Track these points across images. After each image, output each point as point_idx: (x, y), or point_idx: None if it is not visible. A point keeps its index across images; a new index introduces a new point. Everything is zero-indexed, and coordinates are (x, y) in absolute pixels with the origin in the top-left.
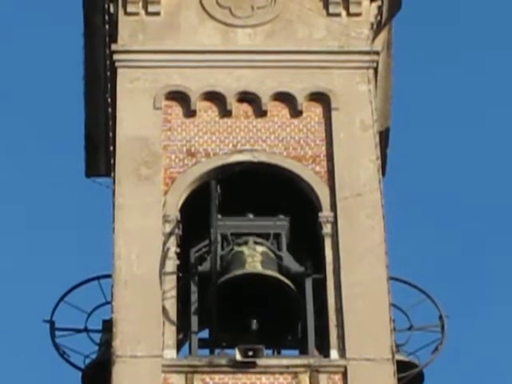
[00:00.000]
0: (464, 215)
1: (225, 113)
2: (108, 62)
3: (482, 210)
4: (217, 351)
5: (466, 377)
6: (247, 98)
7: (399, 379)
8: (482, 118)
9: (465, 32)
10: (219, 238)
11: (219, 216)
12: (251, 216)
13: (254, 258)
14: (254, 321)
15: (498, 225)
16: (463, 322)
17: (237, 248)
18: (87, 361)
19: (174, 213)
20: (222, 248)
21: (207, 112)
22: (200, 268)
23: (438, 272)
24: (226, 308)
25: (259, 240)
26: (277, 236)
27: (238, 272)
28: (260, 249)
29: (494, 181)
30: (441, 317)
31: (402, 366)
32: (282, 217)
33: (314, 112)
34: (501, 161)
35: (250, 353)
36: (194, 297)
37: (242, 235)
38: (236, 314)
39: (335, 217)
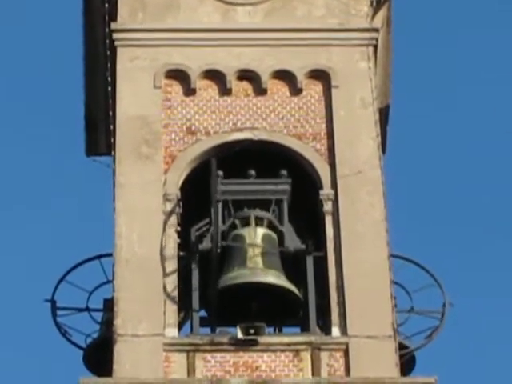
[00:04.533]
0: (465, 192)
1: (225, 91)
2: (107, 41)
3: (485, 188)
4: (218, 329)
5: (461, 365)
6: (247, 76)
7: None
8: (484, 94)
9: (465, 9)
10: (220, 208)
11: (220, 179)
12: (253, 171)
13: (255, 251)
14: (255, 303)
15: (500, 203)
16: (463, 304)
17: (238, 228)
18: (89, 340)
19: (175, 191)
20: (223, 221)
21: (207, 90)
22: (201, 246)
23: (441, 250)
24: (227, 294)
25: (260, 214)
26: (278, 202)
27: (238, 280)
28: (261, 232)
29: (497, 157)
30: (444, 304)
31: None
32: (283, 177)
33: (314, 90)
34: (502, 136)
35: (252, 331)
36: (195, 275)
37: (243, 205)
38: (237, 299)
39: (336, 194)
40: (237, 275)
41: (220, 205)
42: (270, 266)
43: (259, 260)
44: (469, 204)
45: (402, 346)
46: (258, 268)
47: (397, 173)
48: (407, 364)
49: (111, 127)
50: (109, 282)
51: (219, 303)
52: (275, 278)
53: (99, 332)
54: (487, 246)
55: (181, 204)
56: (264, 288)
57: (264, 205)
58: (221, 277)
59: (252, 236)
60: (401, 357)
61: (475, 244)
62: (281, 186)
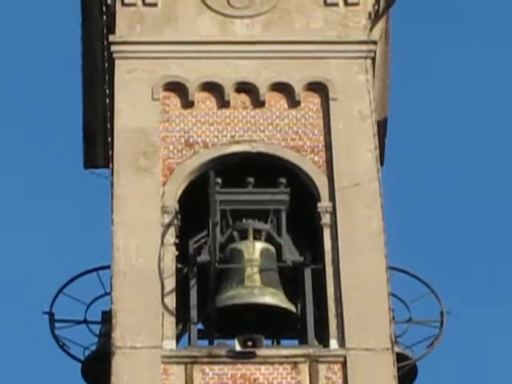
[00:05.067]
0: (463, 204)
1: (223, 103)
2: (106, 53)
3: (482, 199)
4: (216, 342)
5: (462, 374)
6: (245, 88)
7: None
8: (481, 108)
9: (463, 21)
10: (218, 217)
11: (218, 188)
12: (251, 179)
13: (253, 269)
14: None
15: (496, 215)
16: (462, 316)
17: (236, 242)
18: (87, 352)
19: (173, 204)
20: (221, 231)
21: (205, 103)
22: (199, 259)
23: (437, 262)
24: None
25: (259, 225)
26: (277, 213)
27: (236, 300)
28: (259, 247)
29: (494, 170)
30: (442, 313)
31: (396, 358)
32: (282, 187)
33: (312, 102)
34: (500, 149)
35: (250, 343)
36: (193, 288)
37: (241, 216)
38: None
39: (334, 207)
40: (234, 295)
41: (218, 213)
42: (267, 284)
43: (257, 277)
44: (466, 215)
45: (403, 357)
46: (256, 287)
47: (395, 185)
48: (408, 375)
49: (109, 139)
50: (107, 294)
51: (217, 318)
52: (272, 297)
53: (97, 344)
54: (486, 256)
55: (179, 216)
56: (261, 307)
57: (262, 215)
58: (218, 294)
59: (250, 251)
60: (403, 367)
61: (474, 255)
62: (279, 196)
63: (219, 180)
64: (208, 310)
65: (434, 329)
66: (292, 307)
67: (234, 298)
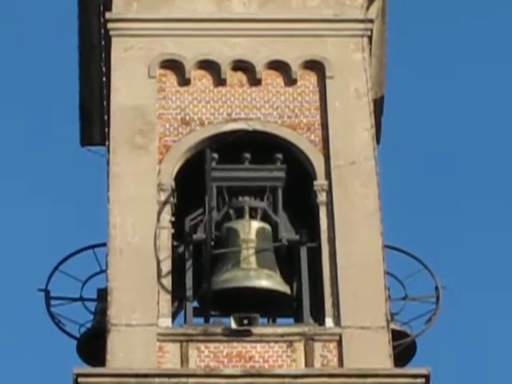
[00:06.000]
0: (459, 183)
1: (219, 81)
2: (102, 31)
3: (479, 178)
4: (212, 320)
5: (461, 349)
6: (242, 66)
7: (392, 348)
8: (478, 86)
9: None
10: (215, 193)
11: (214, 164)
12: (247, 155)
13: (249, 251)
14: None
15: (493, 193)
16: (459, 291)
17: (233, 220)
18: (82, 329)
19: (169, 181)
20: (218, 208)
21: (201, 80)
22: (195, 237)
23: (434, 240)
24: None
25: (255, 203)
26: (273, 190)
27: (232, 284)
28: (255, 226)
29: (491, 149)
30: (437, 287)
31: (394, 335)
32: (278, 164)
33: (309, 80)
34: (498, 127)
35: (245, 321)
36: (189, 266)
37: (238, 193)
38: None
39: (330, 185)
40: (230, 277)
41: (214, 189)
42: (263, 265)
43: (253, 259)
44: (462, 194)
45: (402, 334)
46: (252, 269)
47: (391, 164)
48: (407, 351)
49: (106, 117)
50: (102, 271)
51: (213, 297)
52: (268, 280)
53: (93, 322)
54: (482, 235)
55: (175, 194)
56: (257, 290)
57: (258, 192)
58: (214, 276)
59: (246, 231)
60: (400, 345)
61: (470, 233)
62: (276, 173)
63: (215, 155)
64: (203, 291)
65: (431, 305)
66: (287, 289)
67: (230, 281)
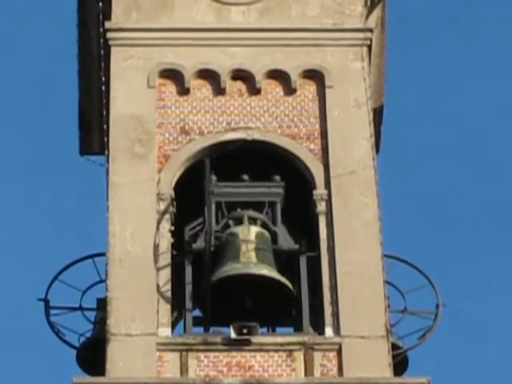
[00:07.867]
0: (458, 193)
1: (218, 91)
2: (101, 40)
3: (479, 188)
4: (211, 329)
5: (460, 358)
6: (241, 75)
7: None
8: (477, 96)
9: (459, 10)
10: (213, 209)
11: (214, 180)
12: (246, 176)
13: (249, 247)
14: (249, 299)
15: (490, 201)
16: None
17: (232, 227)
18: (82, 339)
19: (168, 191)
20: (217, 221)
21: (201, 90)
22: (194, 246)
23: (433, 249)
24: (220, 289)
25: (254, 214)
26: (272, 204)
27: (232, 272)
28: (254, 230)
29: (491, 158)
30: (437, 305)
31: None
32: (277, 181)
33: (308, 90)
34: (496, 137)
35: (245, 330)
36: (189, 275)
37: (237, 206)
38: (230, 294)
39: (329, 194)
40: (230, 268)
41: (213, 205)
42: (263, 261)
43: (252, 255)
44: (462, 204)
45: (394, 347)
46: (252, 262)
47: (390, 173)
48: (400, 364)
49: (105, 126)
50: (102, 281)
51: (212, 301)
52: (268, 271)
53: (92, 331)
54: (481, 246)
55: (174, 203)
56: (257, 281)
57: (257, 207)
58: (214, 272)
59: (245, 233)
60: (393, 357)
61: (469, 244)
62: (274, 189)
63: (214, 177)
64: (203, 287)
65: (428, 320)
66: (288, 283)
67: (230, 270)
